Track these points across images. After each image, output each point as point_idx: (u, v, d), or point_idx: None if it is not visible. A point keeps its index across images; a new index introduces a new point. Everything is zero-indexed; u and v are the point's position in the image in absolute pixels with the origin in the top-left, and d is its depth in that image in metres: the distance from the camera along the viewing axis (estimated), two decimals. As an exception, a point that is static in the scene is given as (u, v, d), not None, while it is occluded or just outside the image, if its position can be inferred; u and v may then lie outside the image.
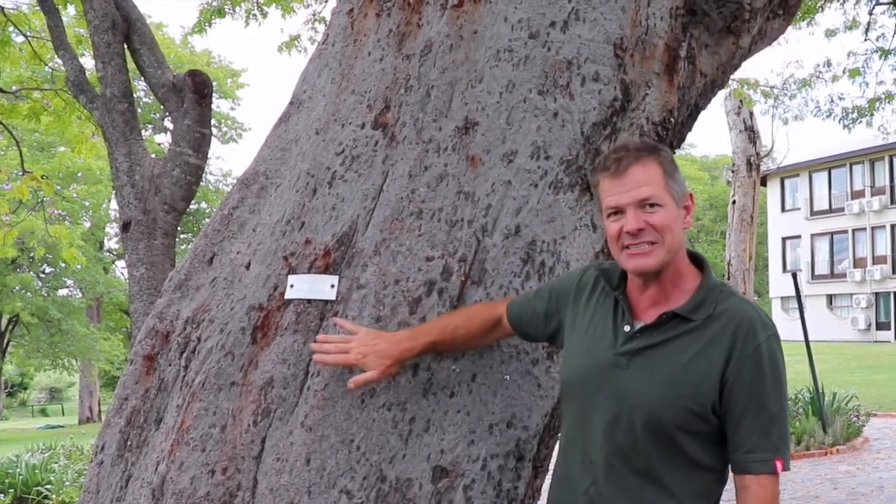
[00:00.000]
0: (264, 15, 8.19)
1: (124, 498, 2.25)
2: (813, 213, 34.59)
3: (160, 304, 2.45)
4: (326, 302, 2.10)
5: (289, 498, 1.96)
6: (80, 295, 29.14)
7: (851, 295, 32.64)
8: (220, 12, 8.04)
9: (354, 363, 1.96)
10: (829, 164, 33.81)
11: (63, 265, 26.02)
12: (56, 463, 9.67)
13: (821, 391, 10.30)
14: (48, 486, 8.79)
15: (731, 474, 1.78)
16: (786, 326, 27.91)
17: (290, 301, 2.12)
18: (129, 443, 2.32)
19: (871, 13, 11.33)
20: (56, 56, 5.39)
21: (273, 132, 2.49)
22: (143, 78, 4.55)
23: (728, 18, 2.54)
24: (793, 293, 11.44)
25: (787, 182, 35.85)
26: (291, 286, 2.13)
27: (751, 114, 15.01)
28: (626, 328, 1.79)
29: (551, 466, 2.06)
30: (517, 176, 2.17)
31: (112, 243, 31.92)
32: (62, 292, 29.07)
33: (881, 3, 10.92)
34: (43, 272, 28.77)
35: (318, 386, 2.03)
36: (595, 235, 2.25)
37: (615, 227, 1.75)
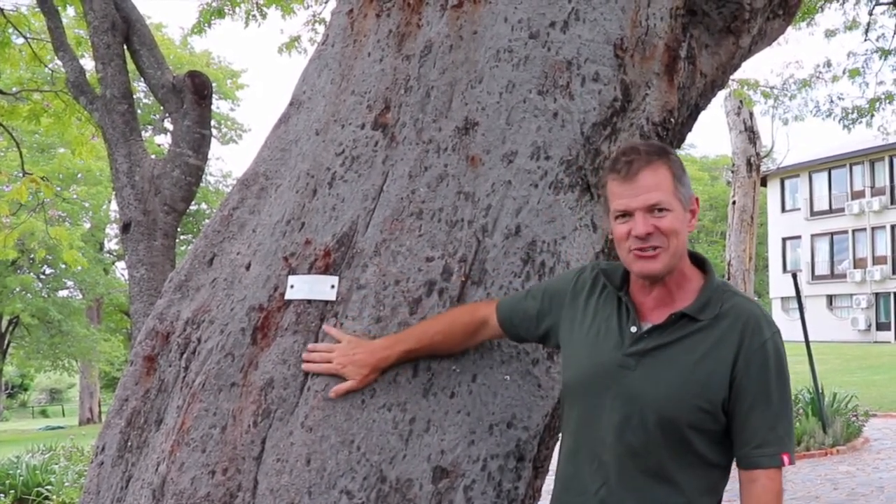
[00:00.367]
0: (264, 16, 8.19)
1: (124, 499, 2.25)
2: (813, 213, 34.59)
3: (160, 304, 2.45)
4: (327, 302, 2.10)
5: (289, 498, 1.95)
6: (81, 296, 29.16)
7: (851, 295, 32.65)
8: (220, 13, 8.05)
9: (335, 372, 2.00)
10: (829, 165, 33.82)
11: (63, 266, 26.03)
12: (56, 464, 9.67)
13: (821, 391, 10.30)
14: (48, 487, 8.79)
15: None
16: (786, 327, 27.81)
17: (290, 302, 2.12)
18: (129, 444, 2.32)
19: (870, 13, 11.34)
20: (56, 57, 5.39)
21: (273, 133, 2.49)
22: (142, 79, 4.54)
23: (728, 19, 2.54)
24: (793, 294, 11.44)
25: (787, 182, 35.87)
26: (291, 287, 2.13)
27: (751, 114, 15.02)
28: (633, 329, 1.79)
29: (552, 467, 2.05)
30: (517, 176, 2.17)
31: (112, 244, 31.95)
32: (62, 293, 29.09)
33: (881, 4, 10.93)
34: (43, 273, 28.79)
35: (318, 386, 2.03)
36: (595, 236, 2.25)
37: (623, 229, 1.76)
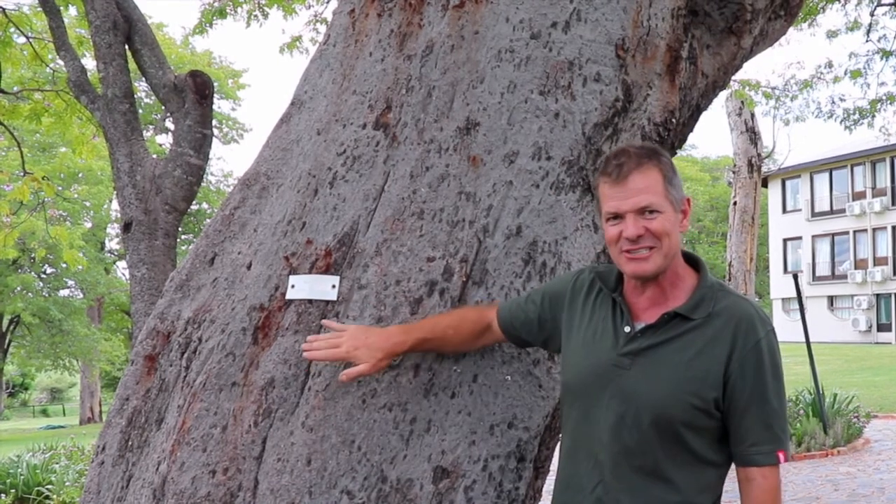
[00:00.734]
0: (265, 16, 8.19)
1: (125, 498, 2.25)
2: (814, 214, 34.58)
3: (161, 304, 2.45)
4: (327, 302, 2.10)
5: (290, 498, 1.96)
6: (82, 295, 29.15)
7: (852, 296, 32.63)
8: (222, 13, 8.05)
9: (345, 357, 1.96)
10: (830, 166, 33.80)
11: (64, 266, 26.02)
12: (57, 463, 9.67)
13: (821, 392, 10.30)
14: (49, 487, 8.79)
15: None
16: (787, 328, 27.92)
17: (291, 301, 2.12)
18: (130, 443, 2.32)
19: (872, 14, 11.33)
20: (57, 57, 5.40)
21: (274, 133, 2.49)
22: (144, 78, 4.54)
23: (730, 19, 2.54)
24: (794, 294, 11.44)
25: (788, 183, 35.84)
26: (292, 286, 2.13)
27: (752, 115, 15.00)
28: (627, 329, 1.81)
29: (552, 467, 2.06)
30: (518, 176, 2.17)
31: (113, 244, 31.95)
32: (63, 293, 29.09)
33: (883, 5, 10.92)
34: (44, 273, 28.80)
35: (319, 386, 2.03)
36: (596, 236, 2.25)
37: (614, 231, 1.78)
